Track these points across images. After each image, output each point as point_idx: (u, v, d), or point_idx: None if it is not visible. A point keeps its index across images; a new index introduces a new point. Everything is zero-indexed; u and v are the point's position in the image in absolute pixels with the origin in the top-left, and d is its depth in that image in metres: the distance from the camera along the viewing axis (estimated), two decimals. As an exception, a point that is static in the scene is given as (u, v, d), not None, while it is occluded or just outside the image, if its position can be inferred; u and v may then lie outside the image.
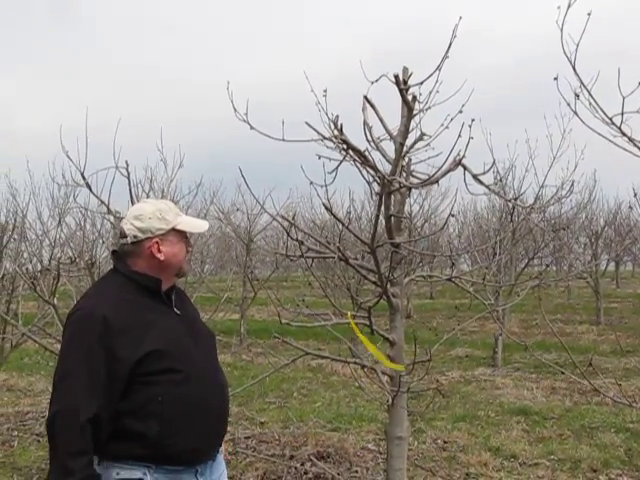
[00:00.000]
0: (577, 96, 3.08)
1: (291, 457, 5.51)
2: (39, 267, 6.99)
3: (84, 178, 5.63)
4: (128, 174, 5.72)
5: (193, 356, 2.53)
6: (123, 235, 2.62)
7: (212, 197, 12.49)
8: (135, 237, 2.56)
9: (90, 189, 5.76)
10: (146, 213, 2.58)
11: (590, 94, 3.04)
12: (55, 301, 5.57)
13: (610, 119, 3.02)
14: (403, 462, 4.06)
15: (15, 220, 7.96)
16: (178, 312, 2.62)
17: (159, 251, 2.57)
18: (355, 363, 4.19)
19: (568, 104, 3.15)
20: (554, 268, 17.58)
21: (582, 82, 3.06)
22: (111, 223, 6.55)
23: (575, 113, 3.14)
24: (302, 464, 5.29)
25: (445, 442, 6.24)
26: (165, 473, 2.45)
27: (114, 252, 2.72)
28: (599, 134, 3.09)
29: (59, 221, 7.88)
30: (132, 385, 2.39)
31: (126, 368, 2.36)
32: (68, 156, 5.56)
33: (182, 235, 2.63)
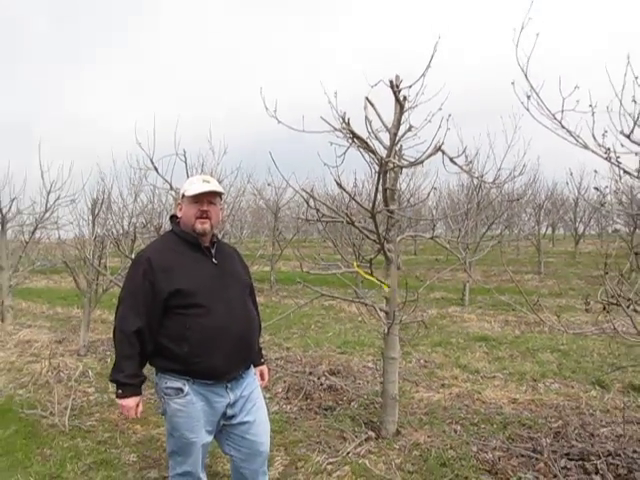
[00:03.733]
0: (528, 97, 3.00)
1: (310, 373, 5.50)
2: (121, 231, 6.97)
3: (152, 163, 5.58)
4: (185, 159, 5.66)
5: (219, 295, 2.51)
6: None
7: (248, 177, 12.33)
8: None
9: (157, 172, 5.71)
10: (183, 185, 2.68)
11: (538, 96, 2.98)
12: (132, 256, 5.53)
13: (553, 115, 2.95)
14: (395, 376, 4.04)
15: (103, 197, 7.92)
16: (215, 262, 2.59)
17: (180, 211, 2.63)
18: (359, 302, 4.13)
19: (522, 103, 3.06)
20: (507, 232, 17.38)
21: (532, 86, 2.98)
22: (173, 197, 6.47)
23: (527, 110, 3.06)
24: (318, 378, 5.28)
25: (426, 362, 6.20)
26: (199, 386, 2.50)
27: (171, 217, 2.75)
28: (545, 126, 3.03)
29: (135, 197, 7.91)
30: (169, 315, 2.44)
31: (162, 297, 2.42)
32: (141, 147, 5.50)
33: (192, 199, 2.55)
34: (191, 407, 2.48)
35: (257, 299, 2.88)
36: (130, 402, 2.47)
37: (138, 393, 2.50)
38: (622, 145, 2.87)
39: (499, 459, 3.53)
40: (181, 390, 2.47)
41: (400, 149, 3.75)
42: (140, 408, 2.52)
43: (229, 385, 2.56)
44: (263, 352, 2.99)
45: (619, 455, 3.37)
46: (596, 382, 5.23)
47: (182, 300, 2.41)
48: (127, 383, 2.45)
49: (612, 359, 6.09)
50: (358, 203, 3.79)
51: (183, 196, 2.60)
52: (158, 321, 2.43)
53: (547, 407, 4.58)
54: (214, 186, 2.58)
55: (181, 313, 2.42)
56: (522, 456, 3.54)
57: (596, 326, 3.33)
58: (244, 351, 2.60)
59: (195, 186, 2.56)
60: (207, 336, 2.43)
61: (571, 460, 3.39)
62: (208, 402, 2.52)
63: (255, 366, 2.83)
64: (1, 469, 3.69)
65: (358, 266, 3.64)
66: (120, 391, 2.46)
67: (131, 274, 2.51)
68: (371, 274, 3.65)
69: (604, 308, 2.92)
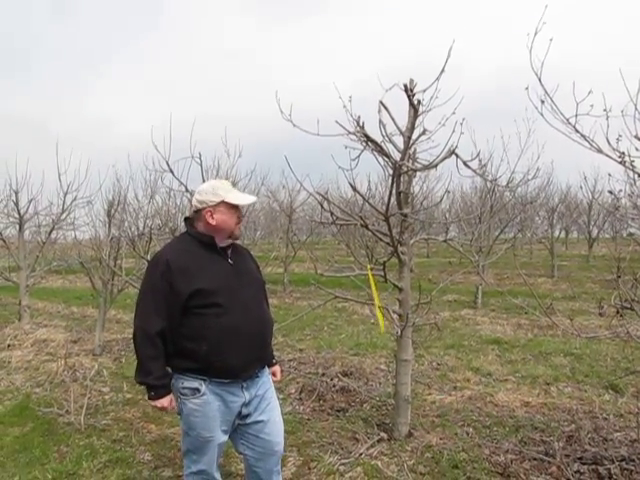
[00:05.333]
0: (542, 102, 2.99)
1: (323, 374, 5.51)
2: (136, 232, 7.03)
3: (168, 165, 5.62)
4: (201, 162, 5.69)
5: (237, 295, 2.54)
6: (192, 206, 2.73)
7: (263, 180, 12.34)
8: (196, 207, 2.65)
9: (173, 174, 5.75)
10: (203, 190, 2.65)
11: (552, 100, 2.96)
12: (148, 257, 5.59)
13: (567, 120, 2.93)
14: (407, 378, 4.04)
15: (119, 198, 7.99)
16: (231, 262, 2.63)
17: (212, 217, 2.61)
18: (372, 304, 4.13)
19: (536, 107, 3.05)
20: (520, 235, 17.26)
21: (546, 91, 2.97)
22: (188, 199, 6.52)
23: (541, 115, 3.04)
24: (331, 379, 5.29)
25: (438, 364, 6.19)
26: (216, 385, 2.53)
27: (185, 219, 2.78)
28: (559, 130, 3.01)
29: (150, 198, 7.95)
30: (188, 315, 2.46)
31: (181, 298, 2.44)
32: (157, 149, 5.54)
33: (232, 206, 2.61)
34: (207, 407, 2.52)
35: (270, 301, 2.92)
36: (164, 402, 2.52)
37: (170, 391, 2.55)
38: (637, 149, 2.86)
39: (511, 462, 3.52)
40: (198, 390, 2.50)
41: (414, 152, 3.75)
42: (173, 403, 2.57)
43: (245, 384, 2.60)
44: (275, 352, 3.03)
45: (633, 460, 3.34)
46: (609, 386, 5.19)
47: (202, 300, 2.44)
48: (157, 385, 2.49)
49: (626, 363, 6.04)
50: (372, 206, 3.81)
51: (221, 202, 2.59)
52: (177, 322, 2.46)
53: (560, 411, 4.55)
54: (254, 197, 2.81)
55: (200, 313, 2.45)
56: (534, 459, 3.53)
57: (610, 330, 3.31)
58: (260, 350, 2.65)
59: (235, 194, 2.64)
60: (225, 335, 2.46)
61: (584, 464, 3.38)
62: (224, 402, 2.55)
63: (268, 367, 2.86)
64: (20, 465, 3.75)
65: (371, 269, 3.65)
66: (152, 393, 2.50)
67: (149, 275, 2.54)
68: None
69: (618, 312, 2.91)
